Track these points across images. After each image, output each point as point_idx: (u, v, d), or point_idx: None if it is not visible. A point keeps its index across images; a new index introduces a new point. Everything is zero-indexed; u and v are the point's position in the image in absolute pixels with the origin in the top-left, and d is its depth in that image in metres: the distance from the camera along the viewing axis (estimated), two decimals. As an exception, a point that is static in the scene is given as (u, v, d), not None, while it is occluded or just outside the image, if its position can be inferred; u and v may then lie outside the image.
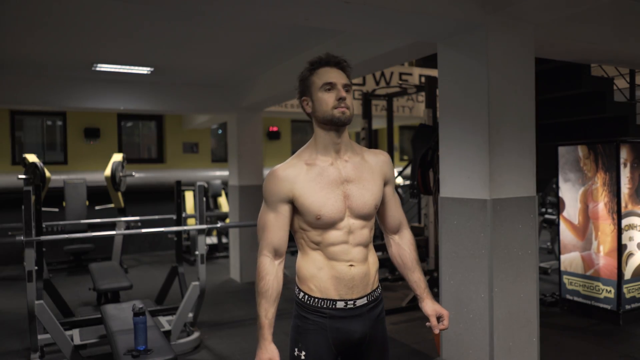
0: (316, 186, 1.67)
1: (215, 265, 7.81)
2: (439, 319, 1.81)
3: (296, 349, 1.71)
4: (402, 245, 1.89)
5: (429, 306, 1.82)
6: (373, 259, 1.78)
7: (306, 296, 1.71)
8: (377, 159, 1.81)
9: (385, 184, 1.81)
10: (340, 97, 1.65)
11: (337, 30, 4.07)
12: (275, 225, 1.69)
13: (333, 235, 1.68)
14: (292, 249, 8.51)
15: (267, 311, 1.66)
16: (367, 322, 1.73)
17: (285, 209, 1.69)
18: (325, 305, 1.69)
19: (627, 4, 3.54)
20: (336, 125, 1.67)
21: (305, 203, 1.66)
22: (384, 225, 1.91)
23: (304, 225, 1.70)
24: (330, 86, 1.66)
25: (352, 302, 1.70)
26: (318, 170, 1.69)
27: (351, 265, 1.69)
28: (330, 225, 1.67)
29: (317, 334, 1.70)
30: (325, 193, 1.66)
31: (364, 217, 1.72)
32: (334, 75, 1.68)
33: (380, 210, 1.86)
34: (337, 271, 1.68)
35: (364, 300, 1.73)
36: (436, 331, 1.80)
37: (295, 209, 1.70)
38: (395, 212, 1.88)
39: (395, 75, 7.85)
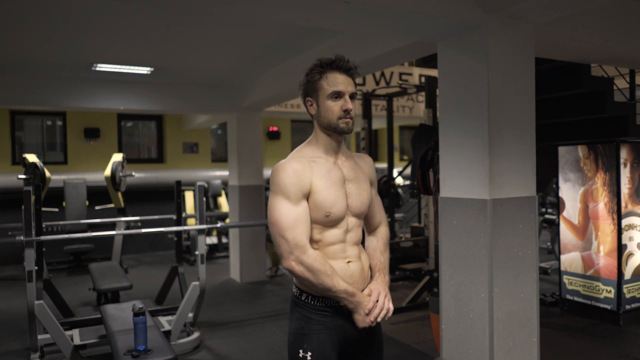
0: (327, 183, 1.69)
1: (215, 265, 7.81)
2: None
3: (301, 351, 1.71)
4: (373, 238, 1.93)
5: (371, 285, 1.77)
6: (364, 255, 1.83)
7: (309, 297, 1.72)
8: (365, 161, 1.88)
9: (370, 185, 1.86)
10: (346, 108, 1.68)
11: (337, 30, 4.07)
12: (306, 220, 1.64)
13: (332, 233, 1.70)
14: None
15: (340, 280, 1.64)
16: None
17: (306, 205, 1.66)
18: (329, 304, 1.71)
19: (627, 4, 3.54)
20: (338, 133, 1.72)
21: (318, 199, 1.66)
22: (367, 225, 1.94)
23: None
24: (337, 95, 1.69)
25: None
26: (326, 167, 1.71)
27: (349, 262, 1.73)
28: (335, 223, 1.70)
29: (322, 334, 1.71)
30: (334, 191, 1.69)
31: (359, 216, 1.78)
32: (343, 83, 1.69)
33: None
34: (337, 269, 1.69)
35: None
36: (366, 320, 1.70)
37: None
38: (378, 212, 1.93)
39: (395, 75, 7.85)
